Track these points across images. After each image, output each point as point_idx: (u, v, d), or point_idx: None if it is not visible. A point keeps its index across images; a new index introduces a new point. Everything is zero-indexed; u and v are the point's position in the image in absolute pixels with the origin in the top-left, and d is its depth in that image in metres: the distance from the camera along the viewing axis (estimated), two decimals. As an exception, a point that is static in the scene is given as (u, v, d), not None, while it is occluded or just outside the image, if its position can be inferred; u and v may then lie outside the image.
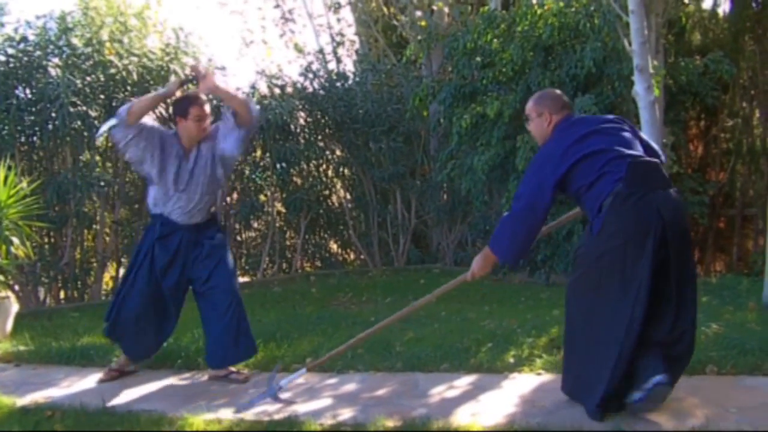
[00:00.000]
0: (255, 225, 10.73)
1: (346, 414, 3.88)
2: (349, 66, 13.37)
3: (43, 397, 4.40)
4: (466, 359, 4.80)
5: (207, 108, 4.68)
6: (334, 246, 11.44)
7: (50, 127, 8.32)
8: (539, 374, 4.49)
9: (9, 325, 6.35)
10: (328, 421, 3.76)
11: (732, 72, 9.25)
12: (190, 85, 5.03)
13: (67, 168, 8.59)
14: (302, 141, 10.47)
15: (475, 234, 10.32)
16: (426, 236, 11.43)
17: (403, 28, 12.26)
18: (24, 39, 8.55)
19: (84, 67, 8.69)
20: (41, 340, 6.00)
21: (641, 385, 3.42)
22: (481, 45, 9.17)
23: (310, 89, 10.72)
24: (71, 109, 8.18)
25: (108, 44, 8.89)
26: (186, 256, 4.71)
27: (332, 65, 12.84)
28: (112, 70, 8.78)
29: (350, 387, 4.45)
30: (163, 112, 8.96)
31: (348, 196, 11.31)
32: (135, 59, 8.97)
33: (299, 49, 15.07)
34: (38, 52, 8.56)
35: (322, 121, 10.68)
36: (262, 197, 10.55)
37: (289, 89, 10.50)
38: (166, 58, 9.19)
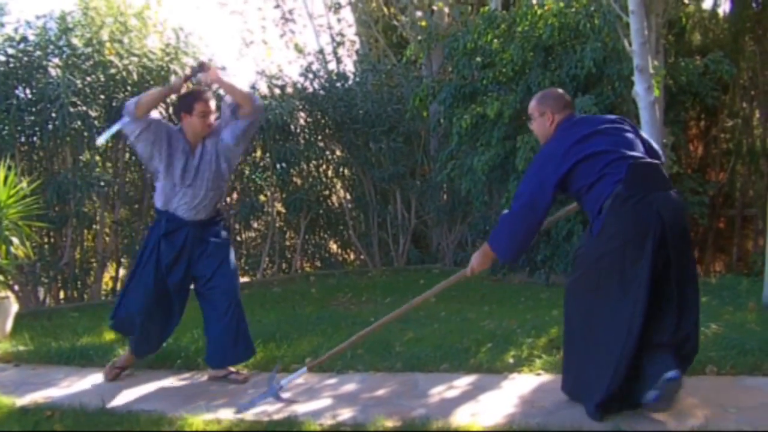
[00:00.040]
0: (255, 225, 10.73)
1: (345, 414, 3.88)
2: (349, 66, 13.38)
3: (43, 397, 4.41)
4: (465, 359, 4.80)
5: (212, 104, 4.69)
6: (333, 246, 11.44)
7: (50, 127, 8.31)
8: (539, 374, 4.49)
9: (8, 325, 6.35)
10: (327, 421, 3.76)
11: (732, 72, 9.25)
12: (193, 80, 5.03)
13: (67, 168, 8.59)
14: (302, 141, 10.47)
15: (475, 234, 10.31)
16: (426, 236, 11.43)
17: (403, 28, 12.26)
18: (24, 39, 8.55)
19: (84, 68, 8.69)
20: (41, 340, 6.00)
21: (653, 384, 3.42)
22: (481, 45, 9.17)
23: (310, 89, 10.73)
24: (71, 109, 8.17)
25: (108, 44, 8.89)
26: (191, 252, 4.71)
27: (332, 65, 12.85)
28: (113, 71, 8.78)
29: (350, 387, 4.45)
30: (163, 112, 8.95)
31: (348, 197, 11.31)
32: (135, 59, 8.96)
33: (299, 50, 15.07)
34: (38, 52, 8.55)
35: (322, 121, 10.68)
36: (262, 197, 10.55)
37: (289, 89, 10.50)
38: (166, 59, 9.18)
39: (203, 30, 21.11)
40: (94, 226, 9.17)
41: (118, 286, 9.49)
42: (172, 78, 8.68)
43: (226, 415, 3.93)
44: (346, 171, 11.19)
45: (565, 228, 8.18)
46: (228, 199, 10.16)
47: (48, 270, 8.54)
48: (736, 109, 11.47)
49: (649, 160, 3.68)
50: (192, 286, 4.85)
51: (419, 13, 11.99)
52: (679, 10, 9.84)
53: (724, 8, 11.65)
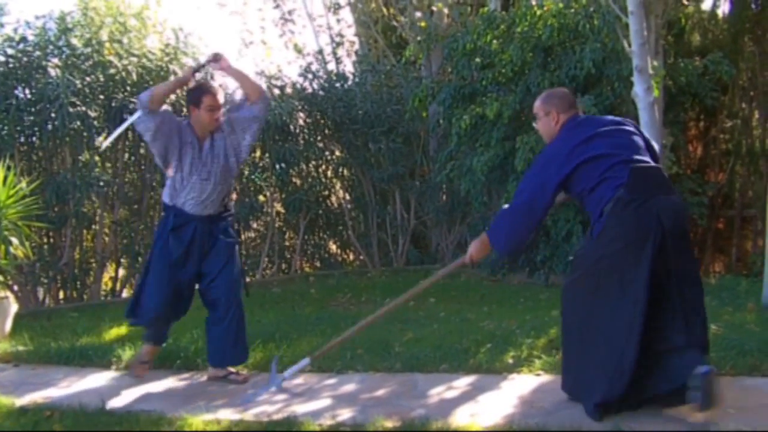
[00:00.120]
0: (254, 225, 10.72)
1: (345, 414, 3.88)
2: (348, 67, 13.39)
3: (42, 398, 4.41)
4: (465, 360, 4.80)
5: (220, 98, 4.68)
6: (333, 246, 11.44)
7: (49, 127, 8.31)
8: (538, 375, 4.50)
9: (8, 325, 6.35)
10: (327, 421, 3.76)
11: (731, 73, 9.24)
12: (203, 71, 5.04)
13: (66, 168, 8.59)
14: (301, 141, 10.47)
15: (475, 235, 10.24)
16: (425, 237, 11.43)
17: (402, 28, 12.26)
18: (23, 39, 8.54)
19: (83, 68, 8.69)
20: (40, 340, 5.99)
21: (676, 380, 3.42)
22: (480, 46, 9.17)
23: (310, 90, 10.73)
24: (71, 110, 8.17)
25: (107, 44, 8.88)
26: (201, 247, 4.69)
27: (332, 66, 12.85)
28: (112, 71, 8.77)
29: (349, 387, 4.46)
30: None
31: (347, 197, 11.31)
32: (134, 59, 8.96)
33: (299, 50, 15.07)
34: (38, 53, 8.55)
35: (322, 121, 10.68)
36: (261, 198, 10.56)
37: (289, 90, 10.51)
38: (166, 59, 9.18)
39: (203, 30, 21.03)
40: (93, 227, 9.18)
41: (118, 286, 9.50)
42: (171, 78, 8.69)
43: (226, 415, 3.93)
44: (345, 171, 11.20)
45: (565, 228, 8.18)
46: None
47: (47, 270, 8.54)
48: (736, 109, 11.46)
49: (650, 163, 3.68)
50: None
51: (419, 14, 11.99)
52: (678, 11, 9.84)
53: (724, 9, 11.66)
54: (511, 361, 4.75)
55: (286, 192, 10.36)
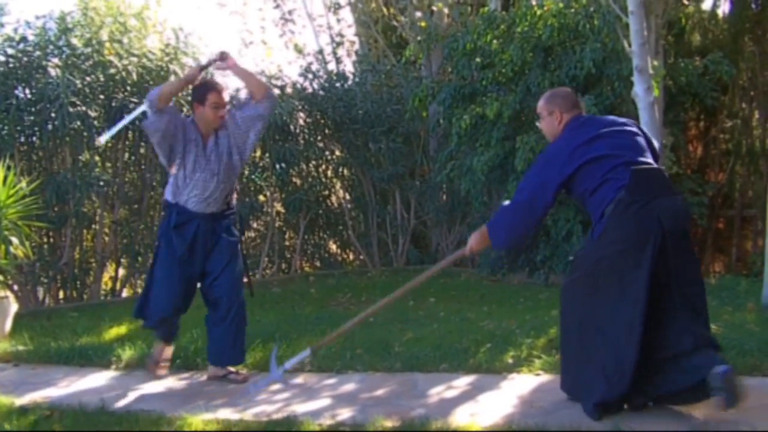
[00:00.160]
0: (254, 225, 10.73)
1: (344, 414, 3.88)
2: (348, 66, 13.39)
3: (42, 397, 4.40)
4: (464, 360, 4.80)
5: (225, 96, 4.69)
6: (333, 246, 11.44)
7: (50, 127, 8.32)
8: (538, 375, 4.50)
9: (8, 325, 6.35)
10: (326, 421, 3.76)
11: (731, 73, 9.25)
12: (210, 69, 5.03)
13: (66, 168, 8.59)
14: (302, 141, 10.48)
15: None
16: (425, 237, 11.43)
17: (402, 28, 12.26)
18: (24, 39, 8.55)
19: (83, 68, 8.70)
20: (40, 339, 6.00)
21: (694, 378, 3.41)
22: (480, 46, 9.17)
23: (310, 90, 10.74)
24: (71, 109, 8.18)
25: (108, 44, 8.89)
26: (205, 245, 4.67)
27: (332, 66, 12.85)
28: (112, 71, 8.78)
29: (349, 387, 4.46)
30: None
31: (347, 197, 11.31)
32: (135, 59, 8.97)
33: (299, 50, 15.06)
34: (38, 53, 8.56)
35: (322, 121, 10.68)
36: (261, 197, 10.56)
37: (289, 90, 10.52)
38: (166, 59, 9.19)
39: (203, 30, 21.08)
40: (93, 226, 9.18)
41: (118, 285, 9.50)
42: (171, 78, 8.70)
43: (226, 414, 3.93)
44: (345, 171, 11.20)
45: (565, 228, 8.18)
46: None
47: (47, 270, 8.55)
48: (736, 109, 11.47)
49: (652, 165, 3.68)
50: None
51: (419, 14, 12.00)
52: (678, 11, 9.84)
53: (724, 9, 11.66)
54: (510, 360, 4.75)
55: (286, 192, 10.36)
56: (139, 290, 9.80)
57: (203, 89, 4.66)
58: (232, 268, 4.73)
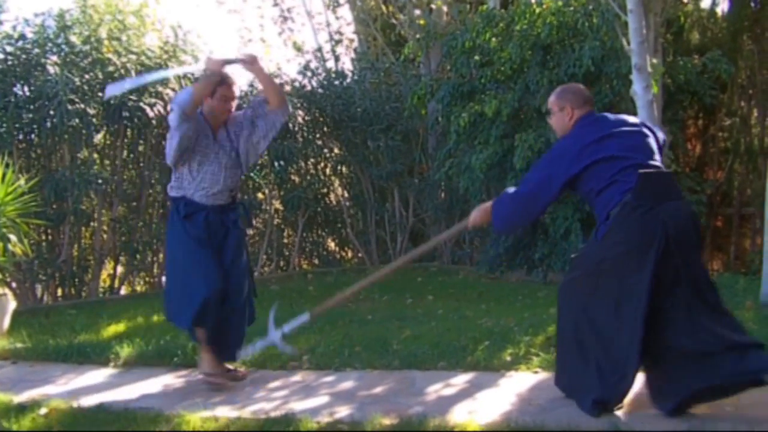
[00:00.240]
0: (253, 223, 10.72)
1: (342, 412, 3.88)
2: (347, 64, 13.40)
3: (40, 395, 4.40)
4: (463, 357, 4.80)
5: (235, 89, 4.62)
6: (331, 244, 11.45)
7: (48, 124, 8.32)
8: (536, 372, 4.50)
9: (6, 322, 6.36)
10: (324, 419, 3.76)
11: (730, 71, 9.25)
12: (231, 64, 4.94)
13: (64, 165, 8.59)
14: (300, 139, 10.48)
15: (473, 233, 10.32)
16: (424, 234, 11.43)
17: (401, 26, 12.27)
18: (22, 37, 8.55)
19: (82, 65, 8.70)
20: (38, 337, 5.99)
21: (743, 377, 3.38)
22: (479, 44, 9.17)
23: (309, 87, 10.74)
24: (69, 107, 8.18)
25: (106, 42, 8.89)
26: (216, 233, 4.56)
27: (331, 63, 12.86)
28: (111, 68, 8.77)
29: (347, 385, 4.46)
30: (162, 110, 8.95)
31: (346, 195, 11.32)
32: (133, 57, 8.96)
33: (298, 48, 15.08)
34: (36, 50, 8.56)
35: (321, 119, 10.69)
36: (260, 195, 10.57)
37: (288, 87, 10.51)
38: (165, 56, 9.19)
39: (201, 28, 21.09)
40: (91, 224, 9.19)
41: (116, 283, 9.50)
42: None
43: (224, 412, 3.93)
44: (344, 169, 11.20)
45: (563, 226, 8.18)
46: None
47: (46, 267, 8.55)
48: (734, 108, 11.47)
49: (661, 169, 3.67)
50: None
51: (418, 12, 12.01)
52: (677, 9, 9.85)
53: (723, 7, 11.68)
54: (509, 358, 4.76)
55: (284, 189, 10.37)
56: (138, 288, 9.84)
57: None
58: (238, 262, 4.65)
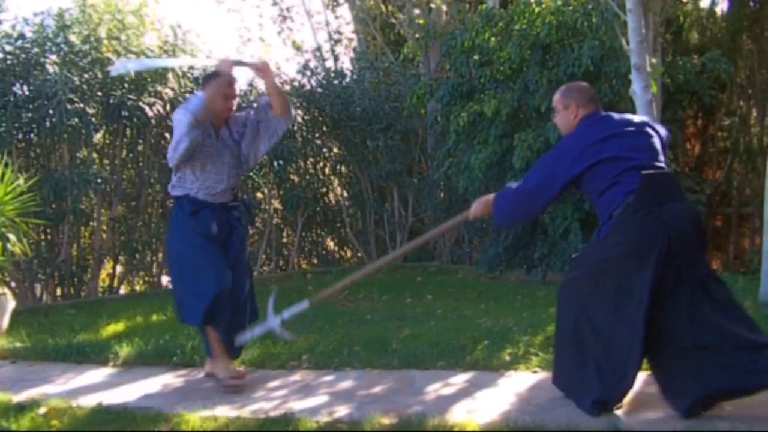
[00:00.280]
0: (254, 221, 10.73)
1: (342, 411, 3.88)
2: (346, 64, 13.42)
3: (39, 394, 4.40)
4: (462, 357, 4.80)
5: (236, 87, 4.60)
6: (330, 243, 11.46)
7: (47, 124, 8.31)
8: (535, 372, 4.50)
9: (5, 321, 6.35)
10: (323, 418, 3.76)
11: (729, 71, 9.25)
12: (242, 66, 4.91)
13: (64, 165, 8.59)
14: (299, 139, 10.48)
15: (472, 232, 10.33)
16: (423, 234, 11.42)
17: (401, 25, 12.28)
18: (21, 36, 8.55)
19: (81, 65, 8.69)
20: (37, 337, 5.99)
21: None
22: (478, 43, 9.17)
23: (308, 87, 10.74)
24: (68, 107, 8.17)
25: (106, 41, 8.89)
26: (221, 230, 4.54)
27: (330, 63, 12.88)
28: (110, 68, 8.76)
29: (346, 384, 4.46)
30: (161, 109, 8.95)
31: (345, 194, 11.33)
32: (133, 56, 8.96)
33: (297, 47, 15.10)
34: (36, 49, 8.55)
35: (320, 118, 10.69)
36: (259, 195, 10.56)
37: (287, 87, 10.51)
38: (164, 56, 9.18)
39: (201, 27, 21.08)
40: (91, 223, 9.18)
41: (115, 283, 9.50)
42: (169, 75, 8.68)
43: (223, 412, 3.93)
44: (343, 168, 11.21)
45: (562, 226, 8.19)
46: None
47: (45, 267, 8.55)
48: (734, 107, 11.49)
49: (664, 170, 3.67)
50: None
51: (417, 11, 12.01)
52: (676, 9, 9.85)
53: (722, 7, 11.69)
54: (508, 358, 4.76)
55: (284, 189, 10.37)
56: (137, 287, 9.84)
57: (215, 78, 4.54)
58: (241, 259, 4.64)
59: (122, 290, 9.52)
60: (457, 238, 10.86)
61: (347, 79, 11.22)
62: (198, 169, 4.48)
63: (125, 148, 9.38)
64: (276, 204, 10.67)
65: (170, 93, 9.07)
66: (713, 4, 11.63)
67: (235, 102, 4.64)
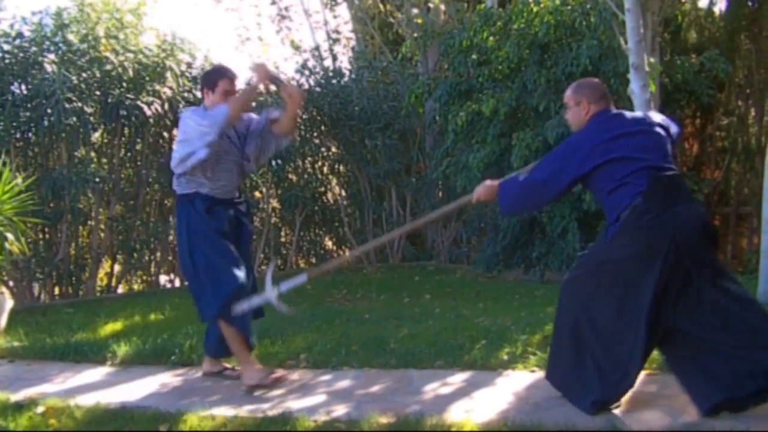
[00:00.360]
0: (253, 219, 10.73)
1: (340, 410, 3.87)
2: (345, 63, 13.40)
3: (37, 393, 4.39)
4: (460, 356, 4.80)
5: (236, 84, 4.54)
6: (329, 243, 11.46)
7: (45, 123, 8.32)
8: (533, 371, 4.49)
9: (3, 320, 6.35)
10: (321, 417, 3.76)
11: (727, 70, 9.26)
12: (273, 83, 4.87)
13: (62, 164, 8.59)
14: (298, 138, 10.47)
15: (470, 231, 10.33)
16: (421, 233, 11.45)
17: (399, 25, 12.28)
18: (20, 35, 8.55)
19: (80, 64, 8.69)
20: (35, 336, 5.99)
21: None
22: (477, 43, 9.17)
23: (306, 86, 10.74)
24: (66, 106, 8.17)
25: (104, 40, 8.89)
26: (231, 226, 4.52)
27: (328, 62, 12.86)
28: (108, 67, 8.77)
29: (344, 383, 4.45)
30: (159, 108, 8.94)
31: (343, 193, 11.33)
32: (131, 55, 8.97)
33: (295, 46, 15.10)
34: (34, 48, 8.55)
35: (318, 118, 10.69)
36: (257, 194, 10.56)
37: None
38: (162, 55, 9.19)
39: (199, 26, 21.09)
40: (89, 222, 9.18)
41: (113, 282, 9.50)
42: (168, 75, 8.69)
43: (221, 411, 3.93)
44: (341, 168, 11.21)
45: (560, 225, 8.19)
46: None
47: (43, 266, 8.55)
48: (732, 107, 11.49)
49: (673, 171, 3.66)
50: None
51: (415, 11, 12.01)
52: (675, 8, 9.85)
53: (720, 7, 11.70)
54: (506, 357, 4.75)
55: (282, 188, 10.37)
56: (135, 286, 9.84)
57: (214, 75, 4.50)
58: (247, 255, 4.63)
59: (120, 289, 9.52)
60: (455, 237, 10.87)
61: (345, 79, 11.22)
62: (209, 168, 4.42)
63: (123, 147, 9.38)
64: (274, 203, 10.67)
65: (168, 92, 9.07)
66: (711, 3, 11.64)
67: None
